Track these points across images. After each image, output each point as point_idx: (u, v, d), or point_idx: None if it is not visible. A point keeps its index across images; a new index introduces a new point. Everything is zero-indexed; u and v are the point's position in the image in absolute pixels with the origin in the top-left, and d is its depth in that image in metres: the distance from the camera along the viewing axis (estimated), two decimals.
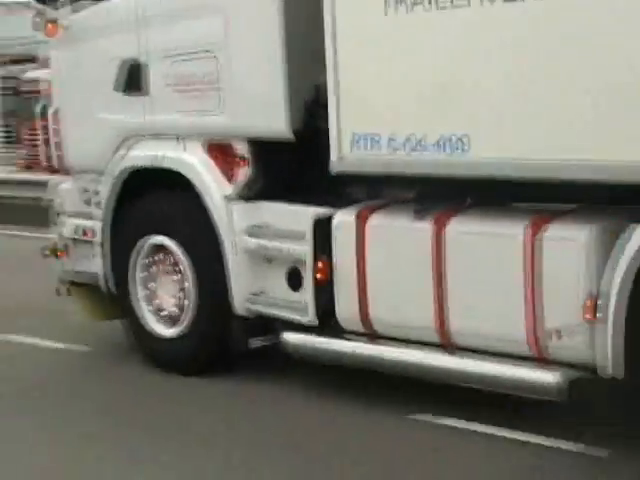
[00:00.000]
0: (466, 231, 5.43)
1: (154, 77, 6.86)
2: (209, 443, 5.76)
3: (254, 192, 6.49)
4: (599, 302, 4.85)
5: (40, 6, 7.33)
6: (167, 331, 7.03)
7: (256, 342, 6.62)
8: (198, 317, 6.77)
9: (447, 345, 5.61)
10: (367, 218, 5.84)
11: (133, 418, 6.31)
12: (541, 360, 5.22)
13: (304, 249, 6.08)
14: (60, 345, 7.92)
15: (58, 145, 7.65)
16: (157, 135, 6.91)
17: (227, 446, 5.71)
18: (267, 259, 6.41)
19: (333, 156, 5.80)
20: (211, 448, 5.67)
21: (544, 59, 4.91)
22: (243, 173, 6.45)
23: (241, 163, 6.44)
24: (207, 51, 6.46)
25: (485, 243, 5.32)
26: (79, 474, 5.44)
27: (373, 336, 5.97)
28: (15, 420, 6.34)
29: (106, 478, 5.36)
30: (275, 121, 6.12)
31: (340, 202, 6.09)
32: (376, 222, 5.80)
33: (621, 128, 4.65)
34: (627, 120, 4.63)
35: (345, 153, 5.74)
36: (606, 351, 4.85)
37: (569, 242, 5.00)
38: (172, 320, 6.99)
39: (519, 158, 5.06)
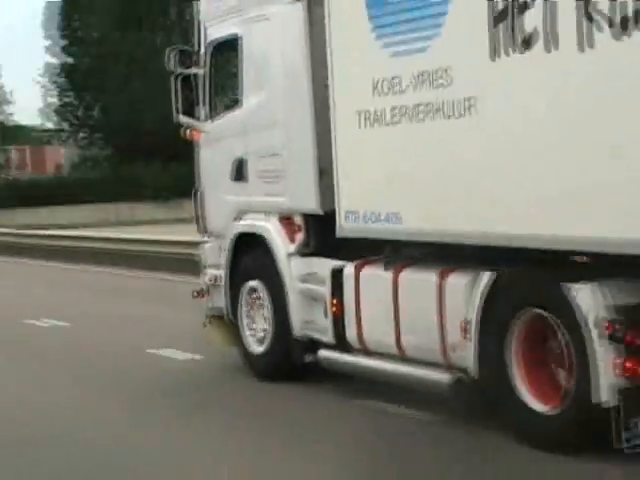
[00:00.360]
0: (409, 277, 8.06)
1: (251, 170, 9.95)
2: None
3: (308, 250, 9.37)
4: (467, 326, 7.29)
5: (188, 120, 10.58)
6: (258, 349, 9.97)
7: (309, 358, 9.36)
8: (274, 339, 9.73)
9: (403, 357, 8.14)
10: (361, 269, 8.59)
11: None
12: (450, 366, 7.66)
13: (325, 290, 8.86)
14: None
15: (203, 216, 10.79)
16: (255, 211, 9.94)
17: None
18: (312, 298, 9.22)
19: (337, 226, 8.71)
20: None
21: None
22: (299, 237, 9.37)
23: (297, 230, 9.37)
24: (275, 154, 9.52)
25: (416, 285, 7.93)
26: None
27: (367, 352, 8.64)
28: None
29: None
30: (311, 202, 9.06)
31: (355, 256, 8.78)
32: (364, 272, 8.57)
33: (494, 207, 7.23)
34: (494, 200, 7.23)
35: (342, 224, 8.69)
36: (471, 360, 7.28)
37: (457, 285, 7.49)
38: (261, 341, 9.94)
39: (434, 228, 7.79)
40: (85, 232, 30.89)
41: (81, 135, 54.62)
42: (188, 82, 10.42)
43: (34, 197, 46.80)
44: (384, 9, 8.03)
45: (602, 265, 6.82)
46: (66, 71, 53.56)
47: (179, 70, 10.36)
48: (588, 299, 6.60)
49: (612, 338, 6.48)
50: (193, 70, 10.40)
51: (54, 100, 55.44)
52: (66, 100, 54.15)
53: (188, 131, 10.66)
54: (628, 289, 6.63)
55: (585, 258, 6.97)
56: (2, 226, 34.43)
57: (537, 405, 7.12)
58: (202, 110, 10.47)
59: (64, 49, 53.68)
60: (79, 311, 15.65)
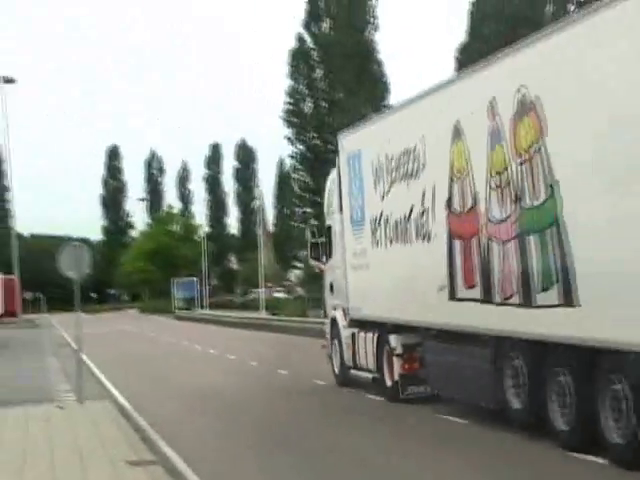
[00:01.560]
0: (369, 336, 19.48)
1: (334, 289, 22.20)
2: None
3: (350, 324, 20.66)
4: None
5: (316, 262, 22.99)
6: (335, 370, 21.71)
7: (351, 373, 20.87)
8: (340, 364, 21.42)
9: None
10: (359, 333, 20.04)
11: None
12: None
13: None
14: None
15: (324, 308, 23.20)
16: (335, 307, 21.92)
17: None
18: (348, 345, 20.90)
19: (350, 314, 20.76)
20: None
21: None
22: (347, 319, 20.95)
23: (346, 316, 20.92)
24: (338, 282, 21.81)
25: (367, 339, 19.62)
26: None
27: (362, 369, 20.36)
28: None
29: None
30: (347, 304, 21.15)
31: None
32: (361, 334, 20.07)
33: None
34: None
35: (351, 313, 20.63)
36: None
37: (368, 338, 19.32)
38: (337, 367, 21.63)
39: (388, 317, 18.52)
40: None
41: None
42: (316, 248, 22.74)
43: None
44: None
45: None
46: None
47: (312, 241, 22.92)
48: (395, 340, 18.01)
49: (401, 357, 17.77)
50: (318, 240, 22.79)
51: None
52: None
53: (317, 267, 24.02)
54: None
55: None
56: None
57: None
58: (323, 257, 22.53)
59: None
60: None
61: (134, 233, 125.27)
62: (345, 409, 18.07)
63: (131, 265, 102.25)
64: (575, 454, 11.79)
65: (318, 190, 77.44)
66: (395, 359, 17.66)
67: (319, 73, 74.48)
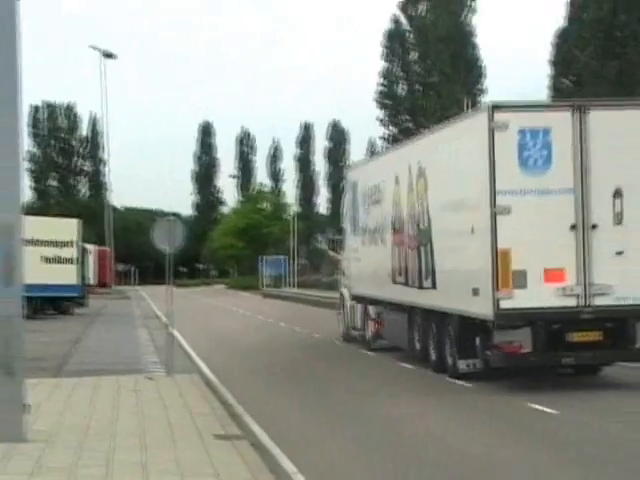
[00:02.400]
0: (364, 307, 27.49)
1: (345, 271, 30.41)
2: None
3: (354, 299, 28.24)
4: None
5: (334, 253, 32.05)
6: (340, 329, 30.37)
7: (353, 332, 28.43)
8: (345, 325, 29.61)
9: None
10: (358, 304, 27.59)
11: None
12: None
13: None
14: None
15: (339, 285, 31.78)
16: (346, 286, 29.63)
17: None
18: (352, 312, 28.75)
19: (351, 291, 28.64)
20: None
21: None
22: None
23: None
24: (345, 269, 30.14)
25: (356, 306, 28.07)
26: None
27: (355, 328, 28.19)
28: None
29: None
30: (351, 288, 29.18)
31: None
32: (358, 305, 27.57)
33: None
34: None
35: (352, 292, 28.36)
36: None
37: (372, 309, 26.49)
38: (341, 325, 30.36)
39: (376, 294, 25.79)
40: None
41: None
42: (333, 243, 32.55)
43: None
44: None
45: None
46: None
47: (330, 238, 34.70)
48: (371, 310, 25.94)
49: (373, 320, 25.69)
50: (335, 237, 32.57)
51: None
52: None
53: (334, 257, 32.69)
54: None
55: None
56: None
57: None
58: (339, 250, 30.79)
59: None
60: None
61: (224, 209, 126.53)
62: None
63: (220, 241, 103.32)
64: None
65: None
66: (370, 322, 25.96)
67: (414, 55, 74.28)
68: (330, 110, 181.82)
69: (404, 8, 73.59)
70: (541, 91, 55.51)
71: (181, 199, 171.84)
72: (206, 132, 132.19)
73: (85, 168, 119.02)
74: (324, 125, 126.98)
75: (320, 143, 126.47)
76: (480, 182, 17.40)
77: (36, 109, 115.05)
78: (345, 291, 29.30)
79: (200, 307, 55.38)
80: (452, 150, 19.25)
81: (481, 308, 17.42)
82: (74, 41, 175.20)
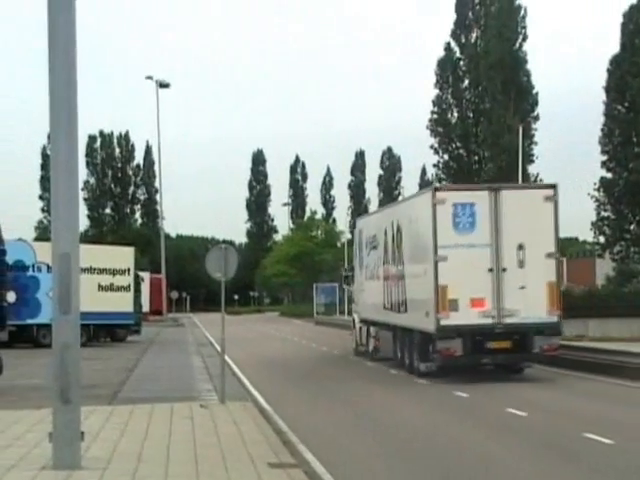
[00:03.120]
0: (367, 328, 35.46)
1: (355, 301, 38.09)
2: None
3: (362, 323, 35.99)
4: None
5: (348, 286, 40.08)
6: (352, 346, 37.52)
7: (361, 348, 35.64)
8: (355, 343, 37.09)
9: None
10: (363, 326, 35.25)
11: None
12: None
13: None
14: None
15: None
16: (356, 312, 37.61)
17: None
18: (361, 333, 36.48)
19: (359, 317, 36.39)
20: None
21: None
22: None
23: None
24: (355, 298, 38.82)
25: (365, 330, 35.60)
26: None
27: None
28: None
29: None
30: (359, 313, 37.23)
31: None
32: (363, 328, 35.28)
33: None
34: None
35: (360, 316, 36.17)
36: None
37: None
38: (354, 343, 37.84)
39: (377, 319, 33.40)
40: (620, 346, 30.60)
41: (617, 249, 54.96)
42: (347, 278, 39.84)
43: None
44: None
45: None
46: (604, 185, 54.46)
47: (344, 274, 40.68)
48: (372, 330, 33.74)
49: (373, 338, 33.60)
50: (348, 273, 39.91)
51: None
52: (604, 215, 54.70)
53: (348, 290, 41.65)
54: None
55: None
56: None
57: None
58: (351, 284, 39.07)
59: (604, 164, 54.77)
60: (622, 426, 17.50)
61: (277, 237, 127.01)
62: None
63: (273, 268, 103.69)
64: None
65: None
66: (371, 339, 33.76)
67: (466, 83, 74.19)
68: (383, 138, 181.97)
69: (456, 35, 73.66)
70: (596, 118, 55.05)
71: (234, 227, 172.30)
72: (259, 160, 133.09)
73: (139, 196, 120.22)
74: (377, 152, 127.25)
75: (373, 170, 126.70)
76: (427, 239, 25.43)
77: (92, 138, 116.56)
78: (355, 316, 37.51)
79: (253, 334, 55.52)
80: (412, 215, 27.57)
81: (429, 325, 25.15)
82: (130, 72, 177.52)
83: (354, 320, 37.23)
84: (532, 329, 24.74)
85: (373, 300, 32.63)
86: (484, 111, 71.11)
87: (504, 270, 24.58)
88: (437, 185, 28.75)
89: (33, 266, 40.39)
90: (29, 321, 39.57)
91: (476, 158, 75.60)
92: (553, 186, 25.42)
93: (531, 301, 24.55)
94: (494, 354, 25.12)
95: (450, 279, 24.48)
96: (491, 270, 24.60)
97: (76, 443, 11.80)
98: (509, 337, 24.91)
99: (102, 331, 43.52)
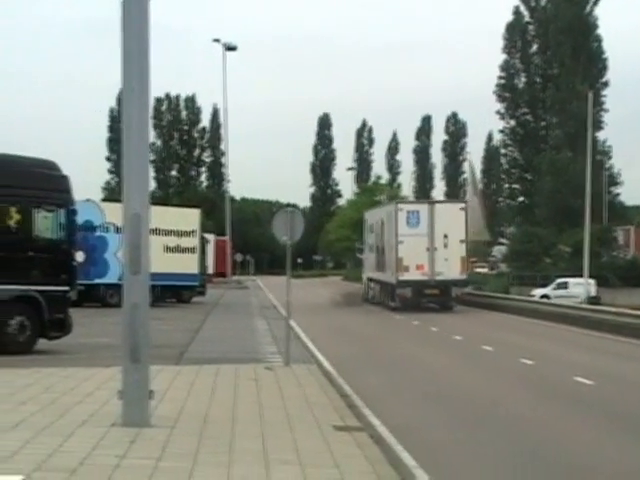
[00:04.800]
0: (368, 282, 56.85)
1: (364, 264, 58.03)
2: None
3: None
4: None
5: (360, 254, 60.68)
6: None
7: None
8: (364, 292, 57.79)
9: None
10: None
11: None
12: None
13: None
14: None
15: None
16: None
17: None
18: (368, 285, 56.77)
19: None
20: None
21: None
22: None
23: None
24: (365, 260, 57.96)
25: (367, 284, 57.39)
26: None
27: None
28: None
29: None
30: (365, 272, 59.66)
31: None
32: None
33: None
34: None
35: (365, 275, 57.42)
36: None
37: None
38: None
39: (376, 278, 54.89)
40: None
41: None
42: (360, 250, 59.77)
43: (633, 277, 48.86)
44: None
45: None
46: None
47: (357, 246, 62.06)
48: (372, 283, 54.91)
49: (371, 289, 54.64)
50: (361, 245, 59.41)
51: None
52: None
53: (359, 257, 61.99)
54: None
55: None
56: (607, 304, 44.95)
57: None
58: (362, 253, 59.03)
59: None
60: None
61: (341, 202, 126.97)
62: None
63: (336, 233, 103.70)
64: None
65: (527, 166, 76.60)
66: (369, 290, 53.55)
67: (534, 48, 73.21)
68: (449, 103, 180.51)
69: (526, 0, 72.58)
70: None
71: (298, 191, 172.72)
72: (325, 124, 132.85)
73: (204, 159, 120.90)
74: (443, 117, 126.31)
75: (438, 136, 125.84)
76: (393, 230, 44.67)
77: (159, 101, 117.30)
78: (364, 275, 56.69)
79: (316, 297, 55.79)
80: (387, 216, 47.01)
81: (393, 279, 44.25)
82: (197, 35, 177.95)
83: (362, 278, 57.76)
84: (451, 283, 43.99)
85: (371, 265, 52.70)
86: (552, 76, 70.17)
87: (435, 249, 43.62)
88: (397, 200, 55.90)
89: (101, 226, 40.86)
90: (97, 281, 40.08)
91: (543, 124, 74.59)
92: (465, 201, 51.91)
93: (450, 267, 43.40)
94: (429, 297, 44.28)
95: (405, 254, 43.63)
96: (428, 249, 43.63)
97: (145, 401, 11.97)
98: (438, 287, 43.73)
99: (168, 292, 43.94)
